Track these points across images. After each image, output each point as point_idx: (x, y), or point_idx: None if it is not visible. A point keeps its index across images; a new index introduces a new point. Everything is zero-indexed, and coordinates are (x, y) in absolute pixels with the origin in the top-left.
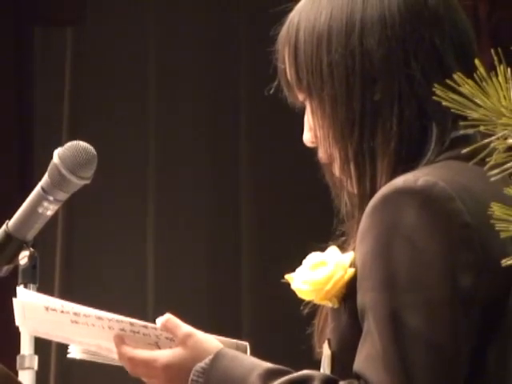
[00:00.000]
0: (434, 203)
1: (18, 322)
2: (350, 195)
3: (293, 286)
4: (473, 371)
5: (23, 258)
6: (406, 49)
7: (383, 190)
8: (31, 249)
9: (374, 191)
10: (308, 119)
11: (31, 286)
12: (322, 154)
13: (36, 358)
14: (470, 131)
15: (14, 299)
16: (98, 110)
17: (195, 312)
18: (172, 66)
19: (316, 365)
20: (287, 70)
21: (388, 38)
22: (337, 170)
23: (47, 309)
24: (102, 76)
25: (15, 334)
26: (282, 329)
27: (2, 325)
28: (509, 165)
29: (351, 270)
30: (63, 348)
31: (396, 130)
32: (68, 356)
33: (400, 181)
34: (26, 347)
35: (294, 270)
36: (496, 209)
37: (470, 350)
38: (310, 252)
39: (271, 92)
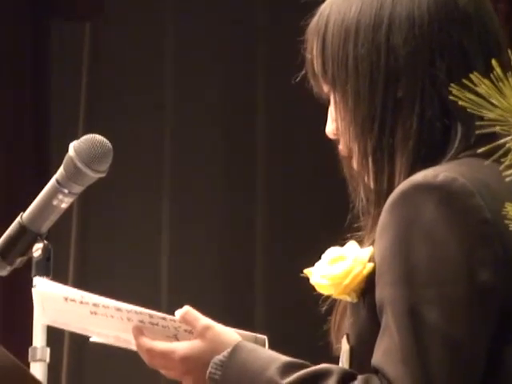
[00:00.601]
0: (454, 199)
1: (36, 313)
2: (367, 191)
3: (311, 281)
4: (491, 367)
5: (37, 250)
6: (432, 48)
7: (402, 186)
8: (45, 241)
9: (391, 188)
10: (331, 111)
11: (45, 278)
12: (342, 147)
13: (48, 350)
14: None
15: (33, 289)
16: (114, 102)
17: (208, 303)
18: (190, 61)
19: (333, 361)
20: (314, 61)
21: (415, 36)
22: (355, 164)
23: (66, 299)
24: (118, 69)
25: (28, 325)
26: (296, 322)
27: (16, 316)
28: None
29: (370, 265)
30: (76, 340)
31: (416, 129)
32: (90, 340)
33: (419, 176)
34: (38, 339)
35: (309, 264)
36: (510, 209)
37: (488, 346)
38: (325, 245)
39: (297, 80)
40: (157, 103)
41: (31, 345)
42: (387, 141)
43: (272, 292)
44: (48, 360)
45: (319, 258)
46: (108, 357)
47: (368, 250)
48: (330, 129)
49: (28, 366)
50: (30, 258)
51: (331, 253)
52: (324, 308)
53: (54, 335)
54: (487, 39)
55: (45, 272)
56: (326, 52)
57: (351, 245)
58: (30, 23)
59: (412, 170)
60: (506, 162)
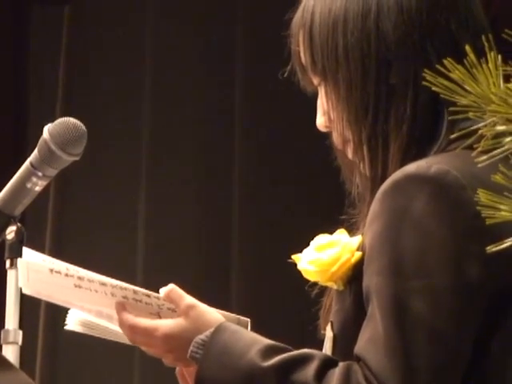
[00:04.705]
0: (446, 191)
1: (20, 284)
2: (362, 178)
3: (299, 267)
4: (476, 360)
5: (10, 232)
6: (422, 33)
7: (394, 176)
8: (18, 224)
9: (385, 174)
10: (322, 103)
11: (18, 261)
12: (335, 138)
13: (21, 332)
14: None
15: (18, 259)
16: (93, 85)
17: (186, 285)
18: (170, 42)
19: (317, 346)
20: (302, 54)
21: (404, 21)
22: (350, 153)
23: (52, 271)
24: (97, 53)
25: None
26: (279, 309)
27: None
28: (497, 151)
29: (358, 254)
30: (51, 324)
31: (409, 114)
32: (65, 328)
33: (413, 167)
34: (11, 321)
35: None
36: (482, 195)
37: (475, 339)
38: (315, 232)
39: (285, 76)
40: (135, 87)
41: (3, 327)
42: (381, 127)
43: (256, 278)
44: (20, 342)
45: (308, 244)
46: (83, 344)
47: (357, 239)
48: (321, 121)
49: (0, 348)
50: (3, 241)
51: (320, 240)
52: (315, 292)
53: (29, 317)
54: (474, 24)
55: (18, 255)
56: (315, 43)
57: (340, 232)
58: (9, 6)
59: (405, 155)
60: (479, 149)
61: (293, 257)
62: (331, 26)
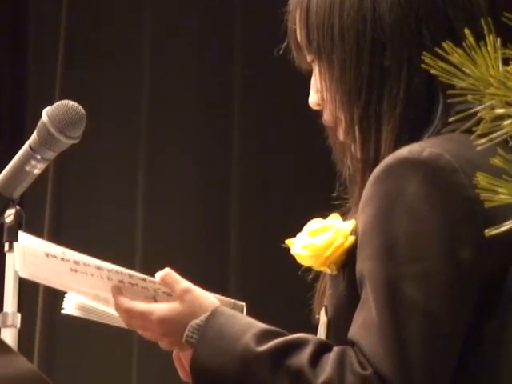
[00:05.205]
0: (438, 175)
1: (16, 267)
2: (353, 160)
3: (292, 251)
4: (470, 345)
5: (9, 215)
6: (418, 16)
7: (387, 160)
8: (17, 207)
9: (377, 156)
10: (315, 81)
11: (14, 244)
12: (327, 117)
13: (19, 315)
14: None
15: (14, 243)
16: (92, 69)
17: (184, 269)
18: (167, 36)
19: (314, 329)
20: (297, 32)
21: (401, 4)
22: (341, 134)
23: (48, 255)
24: (95, 44)
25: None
26: (275, 293)
27: None
28: (495, 134)
29: (352, 238)
30: (49, 307)
31: (403, 96)
32: (62, 312)
33: (405, 151)
34: (9, 304)
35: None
36: (481, 178)
37: (467, 324)
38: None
39: (280, 52)
40: (134, 78)
41: (2, 310)
42: (374, 109)
43: (251, 262)
44: (19, 326)
45: (301, 229)
46: (82, 326)
47: (350, 223)
48: (314, 99)
49: None
50: (2, 224)
51: (313, 224)
52: (311, 277)
53: (27, 302)
54: (471, 6)
55: (16, 238)
56: (311, 22)
57: (334, 217)
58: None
59: (398, 138)
60: (477, 132)
61: (286, 241)
62: (328, 5)
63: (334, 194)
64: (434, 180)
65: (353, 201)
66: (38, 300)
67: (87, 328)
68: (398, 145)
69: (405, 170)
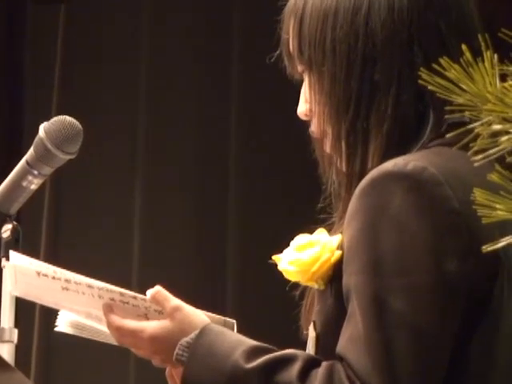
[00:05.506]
0: (423, 188)
1: (8, 286)
2: (339, 174)
3: (280, 267)
4: (457, 358)
5: (6, 231)
6: (410, 33)
7: (372, 174)
8: (14, 222)
9: (363, 172)
10: (305, 92)
11: (5, 264)
12: (314, 129)
13: (16, 331)
14: (466, 118)
15: (6, 263)
16: (88, 84)
17: (179, 287)
18: (166, 39)
19: (302, 346)
20: (290, 41)
21: (393, 20)
22: (328, 147)
23: (39, 274)
24: (93, 51)
25: None
26: (267, 310)
27: None
28: (492, 151)
29: (338, 253)
30: (46, 322)
31: (390, 113)
32: (55, 329)
33: (390, 165)
34: (6, 320)
35: (277, 251)
36: (478, 194)
37: (455, 336)
38: (295, 232)
39: (272, 60)
40: (131, 84)
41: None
42: (361, 124)
43: (243, 279)
44: (16, 341)
45: (288, 245)
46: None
47: (337, 238)
48: (303, 110)
49: None
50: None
51: (300, 239)
52: (290, 294)
53: (24, 318)
54: (464, 23)
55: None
56: (304, 33)
57: (320, 232)
58: (5, 4)
59: (385, 154)
60: (475, 148)
61: (273, 257)
62: (321, 17)
63: (318, 207)
64: (419, 193)
65: (337, 215)
66: (35, 315)
67: (84, 344)
68: (384, 160)
69: (389, 183)
